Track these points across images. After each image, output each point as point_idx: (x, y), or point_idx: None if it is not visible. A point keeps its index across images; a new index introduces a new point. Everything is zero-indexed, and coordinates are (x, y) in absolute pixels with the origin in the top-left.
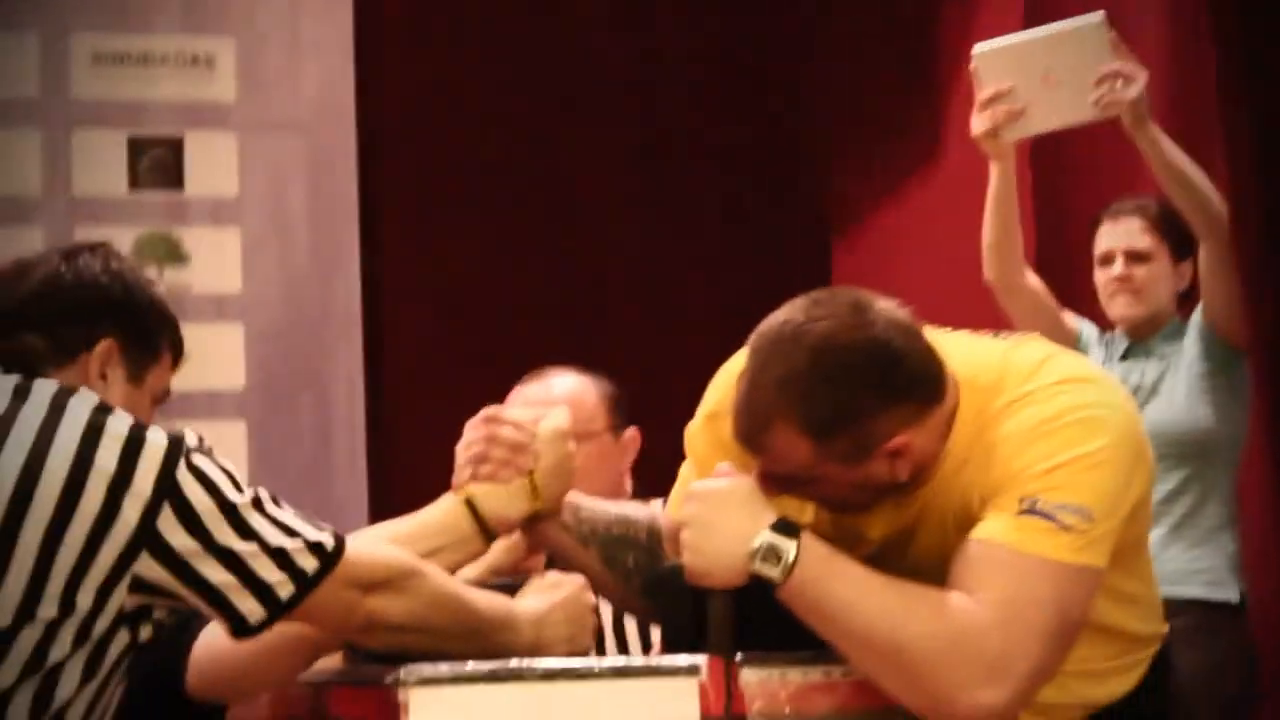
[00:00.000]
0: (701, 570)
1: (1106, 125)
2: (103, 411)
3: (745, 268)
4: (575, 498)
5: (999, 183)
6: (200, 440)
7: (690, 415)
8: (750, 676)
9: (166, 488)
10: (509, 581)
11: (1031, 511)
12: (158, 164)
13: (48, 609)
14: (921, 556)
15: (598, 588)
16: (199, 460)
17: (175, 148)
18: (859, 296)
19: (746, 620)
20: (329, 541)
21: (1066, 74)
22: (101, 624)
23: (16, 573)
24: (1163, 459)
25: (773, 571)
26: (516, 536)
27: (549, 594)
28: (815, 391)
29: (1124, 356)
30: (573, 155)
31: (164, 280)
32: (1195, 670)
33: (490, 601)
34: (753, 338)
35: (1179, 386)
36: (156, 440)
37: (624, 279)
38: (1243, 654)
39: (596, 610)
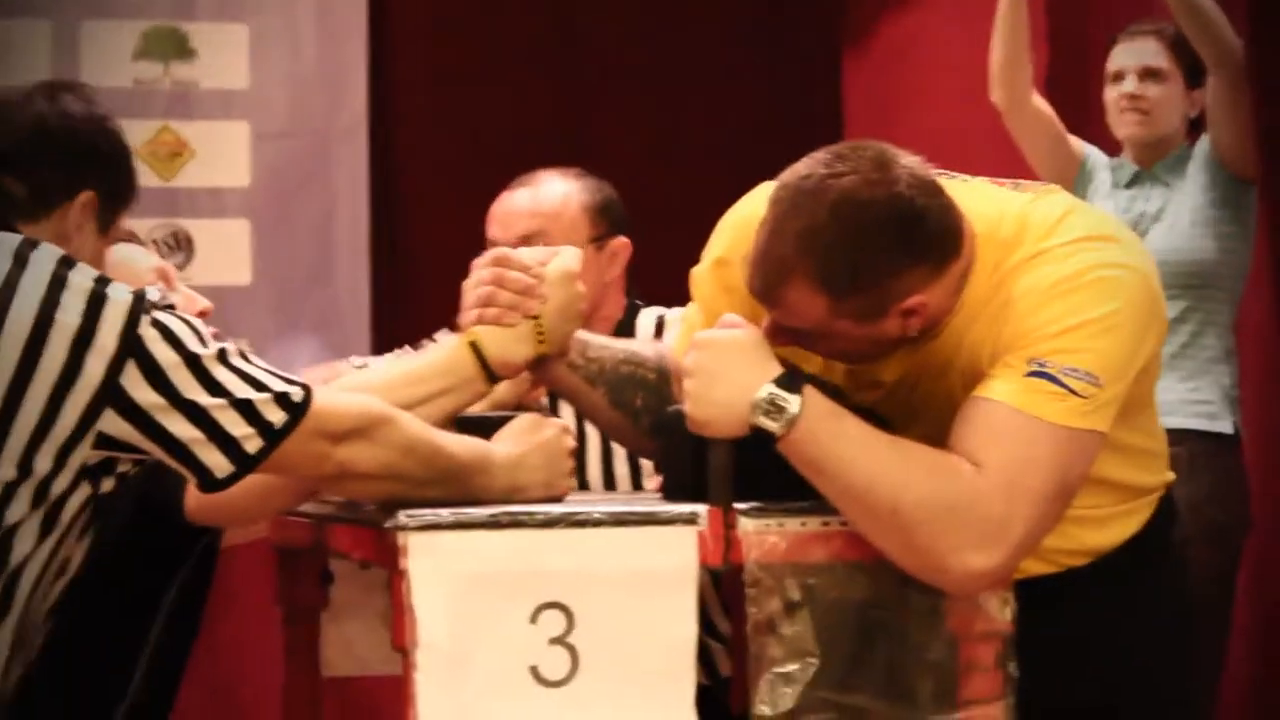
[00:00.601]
0: (702, 420)
1: None
2: (66, 265)
3: (756, 80)
4: (584, 335)
5: (1008, 4)
6: (162, 295)
7: (695, 234)
8: (748, 526)
9: (130, 343)
10: (507, 415)
11: (1039, 374)
12: None
13: (5, 470)
14: (925, 403)
15: (606, 427)
16: (162, 315)
17: None
18: (883, 152)
19: (748, 469)
20: (296, 393)
21: None
22: (61, 482)
23: None
24: (1164, 289)
25: (773, 424)
26: (578, 253)
27: (527, 437)
28: (834, 249)
29: (1130, 183)
30: None
31: (170, 75)
32: (1189, 500)
33: (465, 446)
34: (773, 189)
35: (1183, 215)
36: (120, 296)
37: (632, 90)
38: (1235, 485)
39: (575, 454)
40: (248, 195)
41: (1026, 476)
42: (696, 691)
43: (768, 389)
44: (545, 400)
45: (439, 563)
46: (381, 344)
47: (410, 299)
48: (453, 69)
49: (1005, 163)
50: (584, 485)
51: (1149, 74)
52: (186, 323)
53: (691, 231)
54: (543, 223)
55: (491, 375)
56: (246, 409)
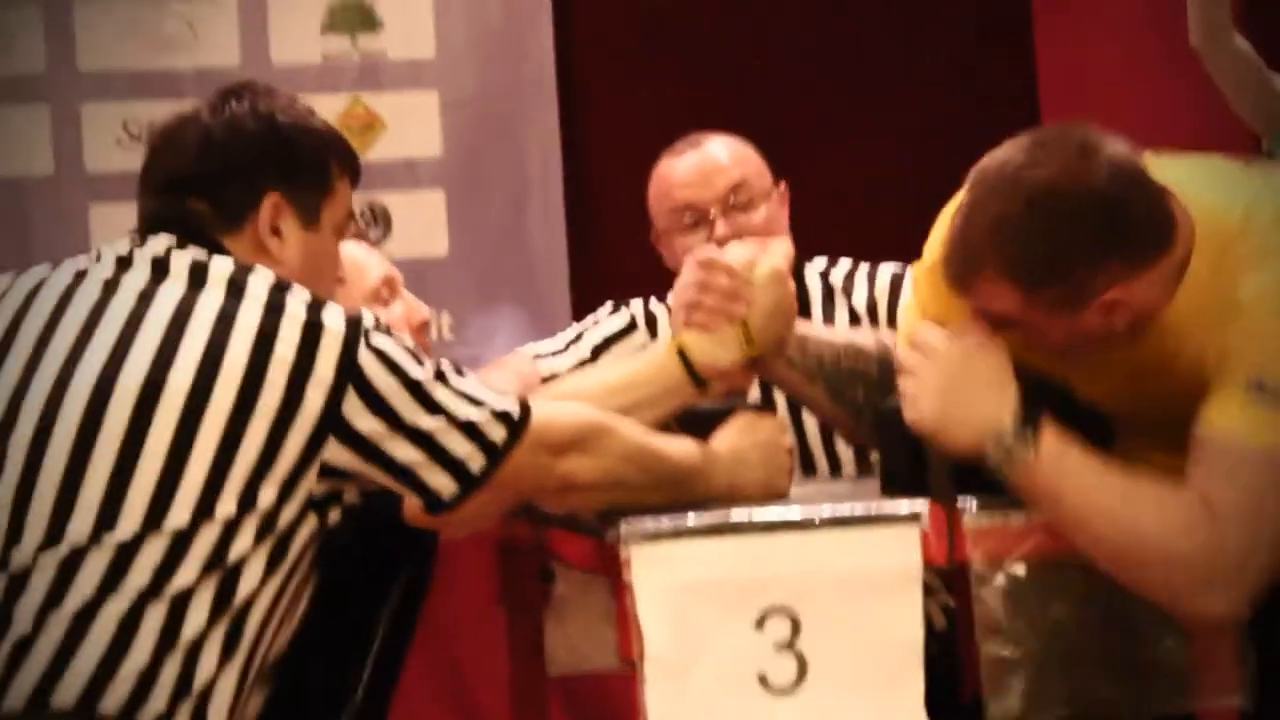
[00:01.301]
0: (930, 429)
1: None
2: (280, 292)
3: (948, 62)
4: (803, 328)
5: None
6: (377, 320)
7: (886, 206)
8: (972, 523)
9: (349, 371)
10: (722, 407)
11: (1260, 388)
12: None
13: (226, 506)
14: (1150, 400)
15: (827, 420)
16: (378, 340)
17: None
18: (1087, 139)
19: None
20: (515, 409)
21: None
22: (287, 515)
23: (195, 470)
24: None
25: (1006, 463)
26: (788, 248)
27: (745, 436)
28: (1028, 240)
29: None
30: None
31: (358, 48)
32: None
33: (683, 449)
34: (972, 173)
35: None
36: (335, 324)
37: (816, 55)
38: None
39: (792, 452)
40: (441, 165)
41: (1258, 513)
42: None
43: (1005, 426)
44: (756, 389)
45: (662, 573)
46: (581, 308)
47: (607, 262)
48: (637, 23)
49: (1199, 93)
50: (810, 470)
51: None
52: (402, 345)
53: (882, 203)
54: (743, 172)
55: (699, 381)
56: (469, 429)
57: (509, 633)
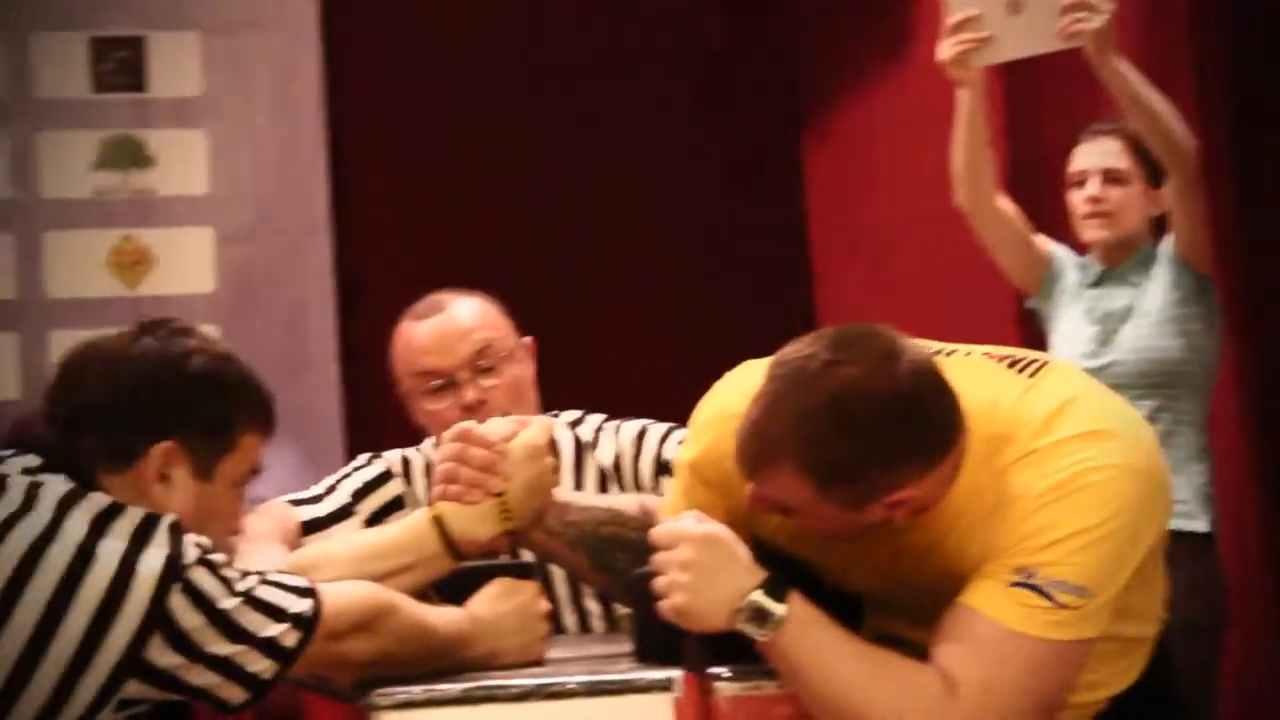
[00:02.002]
0: (684, 615)
1: (1080, 52)
2: (100, 525)
3: (716, 162)
4: (564, 498)
5: (968, 108)
6: (203, 547)
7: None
8: (724, 690)
9: (156, 618)
10: (490, 565)
11: (1027, 585)
12: (121, 66)
13: None
14: (905, 582)
15: (587, 584)
16: (196, 576)
17: (137, 47)
18: (891, 342)
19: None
20: (309, 608)
21: (1033, 1)
22: None
23: None
24: (1132, 388)
25: (756, 632)
26: (549, 423)
27: (502, 602)
28: (828, 440)
29: (1096, 283)
30: (540, 57)
31: (130, 184)
32: (1168, 597)
33: (448, 621)
34: (772, 364)
35: (1149, 314)
36: (148, 570)
37: (594, 175)
38: (1212, 584)
39: (549, 617)
40: (212, 300)
41: (1000, 700)
42: None
43: (755, 596)
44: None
45: None
46: (354, 444)
47: (381, 398)
48: (414, 168)
49: (968, 248)
50: (558, 628)
51: (1110, 176)
52: (220, 574)
53: (651, 302)
54: (487, 335)
55: (457, 552)
56: (267, 646)
57: None
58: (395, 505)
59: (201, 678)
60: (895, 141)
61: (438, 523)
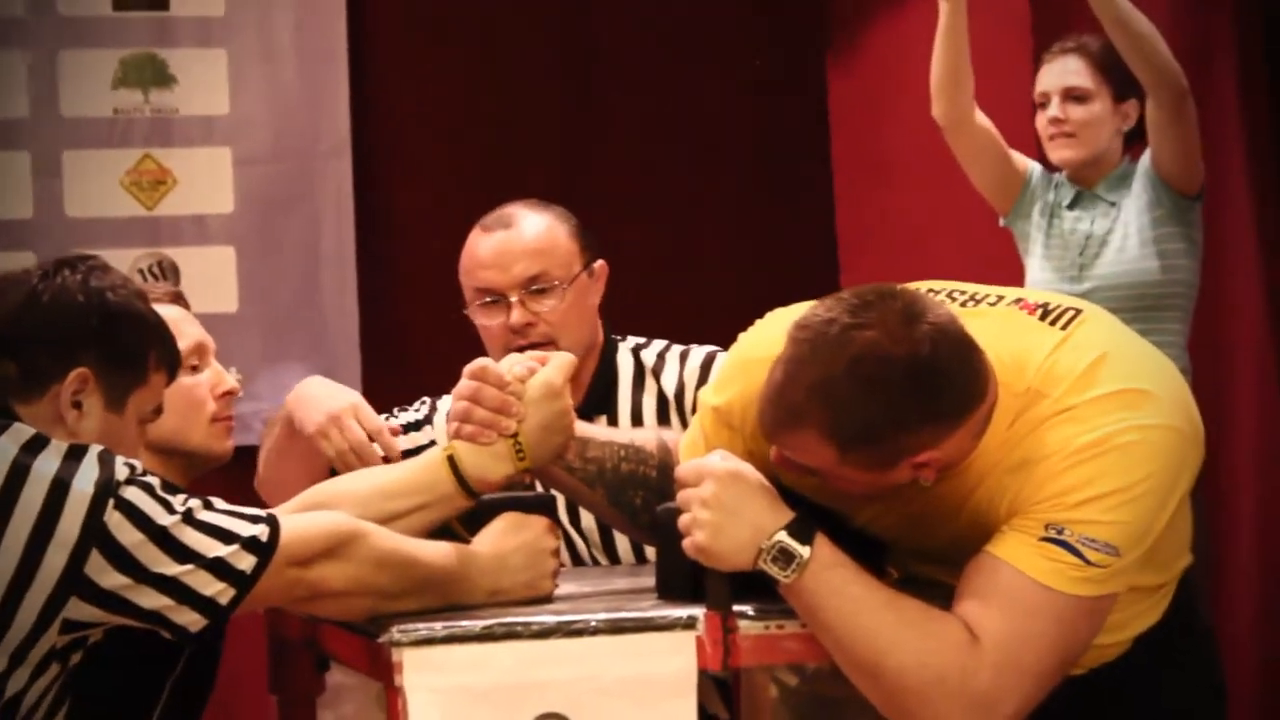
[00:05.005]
0: (708, 553)
1: None
2: (30, 452)
3: (741, 85)
4: (584, 432)
5: (948, 20)
6: (133, 467)
7: (679, 233)
8: (747, 629)
9: (94, 533)
10: (500, 497)
11: (1057, 540)
12: None
13: None
14: (930, 537)
15: (606, 521)
16: (130, 493)
17: None
18: (911, 303)
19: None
20: (264, 533)
21: None
22: (20, 677)
23: None
24: (1115, 311)
25: (779, 573)
26: (570, 361)
27: (509, 538)
28: (849, 404)
29: (1072, 204)
30: None
31: (150, 103)
32: None
33: (442, 554)
34: (794, 326)
35: (1131, 237)
36: (84, 485)
37: (620, 93)
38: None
39: (558, 552)
40: (231, 221)
41: (1024, 652)
42: None
43: (780, 536)
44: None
45: (434, 678)
46: (370, 367)
47: (398, 321)
48: (435, 86)
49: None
50: (587, 563)
51: (1072, 95)
52: (154, 491)
53: (676, 231)
54: (544, 262)
55: (471, 491)
56: (217, 566)
57: None
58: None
59: (152, 600)
60: (919, 66)
61: (451, 462)
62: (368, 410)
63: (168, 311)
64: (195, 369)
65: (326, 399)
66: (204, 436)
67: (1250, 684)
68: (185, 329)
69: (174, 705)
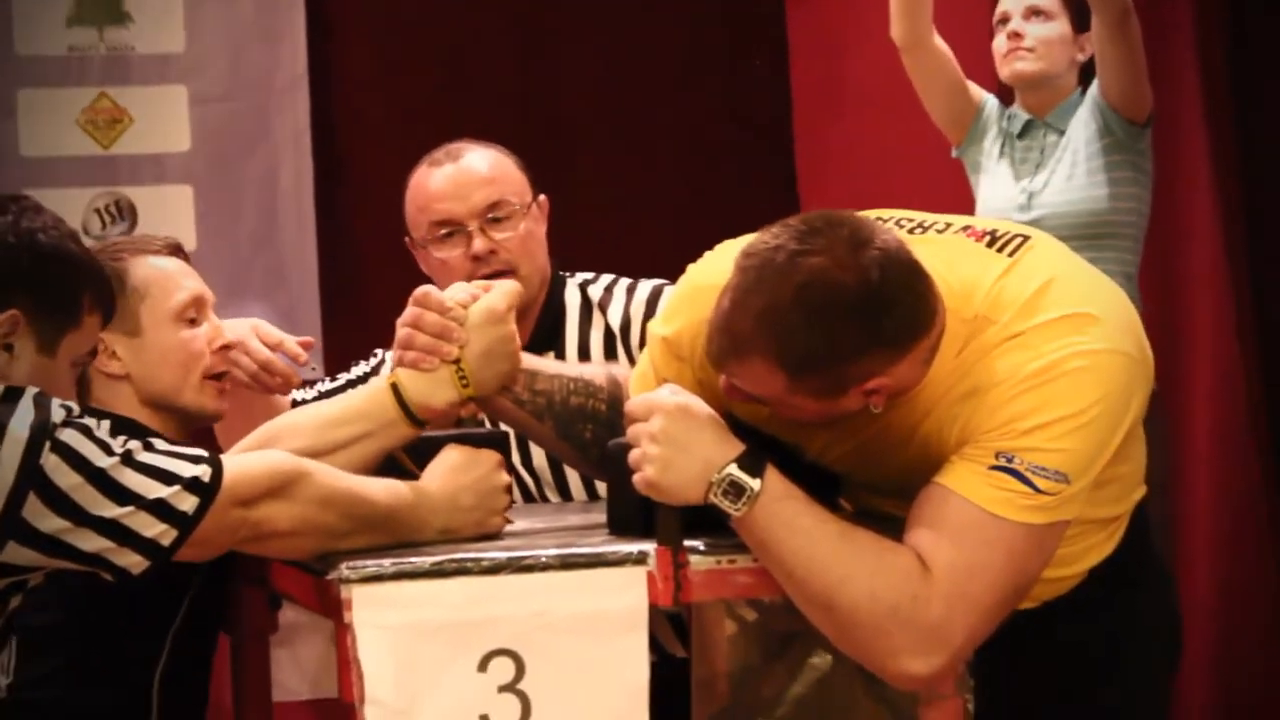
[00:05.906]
0: (657, 488)
1: None
2: None
3: (696, 27)
4: (532, 365)
5: None
6: (70, 409)
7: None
8: (699, 565)
9: (30, 476)
10: (451, 433)
11: (1006, 469)
12: None
13: None
14: (881, 464)
15: (554, 454)
16: (66, 435)
17: None
18: (859, 230)
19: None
20: (205, 474)
21: None
22: None
23: None
24: (1063, 240)
25: (730, 505)
26: (514, 288)
27: (458, 475)
28: (796, 330)
29: (1022, 133)
30: None
31: (105, 41)
32: None
33: (389, 491)
34: (740, 255)
35: (1079, 165)
36: (19, 427)
37: (582, 27)
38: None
39: (510, 489)
40: (188, 160)
41: (974, 582)
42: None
43: (730, 469)
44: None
45: (383, 615)
46: (329, 304)
47: (357, 257)
48: (391, 19)
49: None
50: (538, 499)
51: (1034, 13)
52: (90, 433)
53: (633, 164)
54: (501, 189)
55: (415, 419)
56: (158, 508)
57: (234, 659)
58: None
59: (92, 543)
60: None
61: (394, 389)
62: (266, 326)
63: (164, 263)
64: (193, 322)
65: (228, 331)
66: (195, 394)
67: (1205, 612)
68: (183, 281)
69: (187, 630)
